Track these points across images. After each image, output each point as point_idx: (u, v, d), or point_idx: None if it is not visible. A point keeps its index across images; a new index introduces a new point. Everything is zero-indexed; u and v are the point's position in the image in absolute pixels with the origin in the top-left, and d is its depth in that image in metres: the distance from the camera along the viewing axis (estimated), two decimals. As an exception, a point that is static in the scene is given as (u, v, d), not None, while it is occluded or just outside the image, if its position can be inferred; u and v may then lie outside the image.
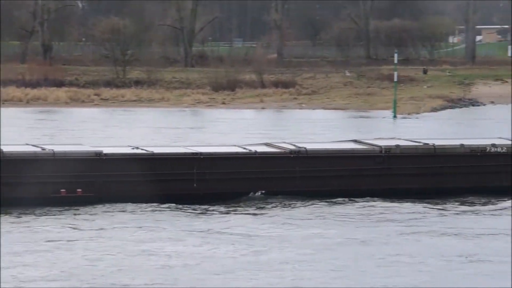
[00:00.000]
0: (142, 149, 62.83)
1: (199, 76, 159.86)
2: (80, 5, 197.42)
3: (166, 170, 61.03)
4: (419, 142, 68.03)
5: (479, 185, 63.95)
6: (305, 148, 64.07)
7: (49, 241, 48.85)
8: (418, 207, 58.81)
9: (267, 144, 67.11)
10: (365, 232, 50.93)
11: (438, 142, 67.40)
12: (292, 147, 64.36)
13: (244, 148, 64.15)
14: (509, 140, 68.24)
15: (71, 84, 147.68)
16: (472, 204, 60.92)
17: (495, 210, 59.30)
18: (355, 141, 69.89)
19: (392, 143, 67.04)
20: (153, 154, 61.92)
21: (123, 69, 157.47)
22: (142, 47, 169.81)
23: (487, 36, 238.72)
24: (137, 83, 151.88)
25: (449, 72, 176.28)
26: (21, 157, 59.60)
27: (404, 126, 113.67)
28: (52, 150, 60.50)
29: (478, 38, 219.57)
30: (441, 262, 45.13)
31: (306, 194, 61.22)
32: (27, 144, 63.78)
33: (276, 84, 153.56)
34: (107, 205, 57.01)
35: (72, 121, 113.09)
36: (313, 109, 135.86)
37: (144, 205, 56.84)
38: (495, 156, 65.83)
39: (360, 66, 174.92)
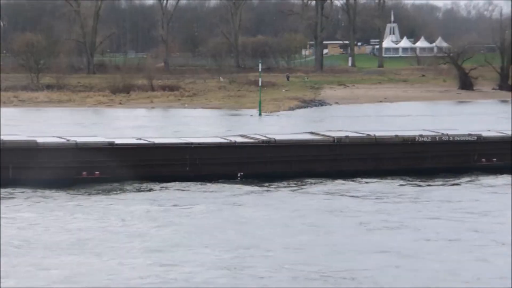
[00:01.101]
0: (144, 140, 65.95)
1: (100, 81, 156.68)
2: (1, 23, 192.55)
3: (164, 156, 63.63)
4: (363, 133, 70.59)
5: (410, 167, 66.54)
6: (274, 138, 66.39)
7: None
8: (363, 183, 62.46)
9: (242, 136, 69.71)
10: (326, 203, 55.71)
11: (378, 134, 69.82)
12: (264, 138, 66.73)
13: (225, 139, 67.43)
14: (431, 132, 71.02)
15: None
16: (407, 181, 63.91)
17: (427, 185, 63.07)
18: (311, 132, 72.53)
19: (342, 134, 69.09)
20: (154, 144, 64.80)
21: (37, 76, 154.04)
22: (52, 57, 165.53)
23: (332, 49, 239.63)
24: (48, 87, 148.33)
25: (307, 79, 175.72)
26: (52, 146, 61.82)
27: (267, 122, 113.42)
28: (75, 141, 62.74)
29: (325, 51, 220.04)
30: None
31: (275, 175, 63.20)
32: (53, 136, 65.71)
33: (164, 88, 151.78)
34: (115, 184, 60.36)
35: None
36: (194, 108, 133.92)
37: (145, 184, 60.13)
38: (421, 144, 68.12)
39: (232, 73, 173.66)
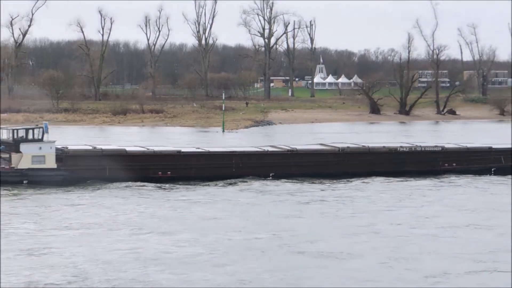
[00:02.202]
0: (202, 149, 68.20)
1: (104, 106, 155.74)
2: (30, 63, 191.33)
3: (217, 161, 65.49)
4: (359, 144, 72.02)
5: (395, 170, 67.20)
6: (296, 148, 68.63)
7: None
8: (364, 182, 63.87)
9: (271, 146, 72.15)
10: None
11: (370, 145, 71.37)
12: (288, 148, 69.12)
13: (260, 148, 69.62)
14: (409, 144, 72.70)
15: (24, 111, 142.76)
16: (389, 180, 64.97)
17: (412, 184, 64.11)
18: (321, 144, 74.30)
19: (344, 145, 70.70)
20: (209, 152, 66.80)
21: (57, 102, 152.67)
22: (68, 88, 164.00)
23: (276, 83, 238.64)
24: (65, 110, 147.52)
25: (263, 105, 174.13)
26: (136, 153, 64.13)
27: (229, 136, 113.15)
28: (153, 149, 65.39)
29: (272, 84, 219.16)
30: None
31: (297, 176, 64.72)
32: (135, 146, 69.62)
33: (151, 111, 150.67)
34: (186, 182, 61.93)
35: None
36: (174, 126, 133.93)
37: (204, 182, 61.95)
38: (402, 153, 69.44)
39: (202, 101, 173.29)
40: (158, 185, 60.36)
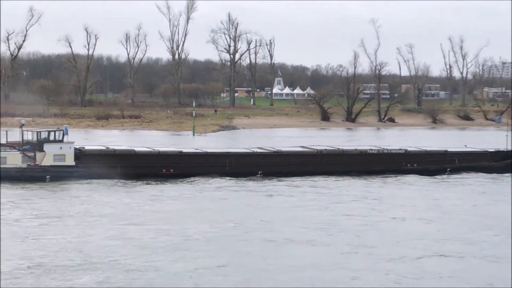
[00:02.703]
0: (200, 150, 68.80)
1: (89, 112, 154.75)
2: (24, 73, 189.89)
3: (213, 160, 65.36)
4: (335, 147, 71.73)
5: (366, 169, 67.05)
6: (281, 150, 68.71)
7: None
8: (338, 180, 63.47)
9: (259, 148, 71.62)
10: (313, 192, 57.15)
11: (344, 148, 71.40)
12: (274, 149, 69.13)
13: (249, 150, 69.21)
14: (376, 147, 72.53)
15: (19, 115, 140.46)
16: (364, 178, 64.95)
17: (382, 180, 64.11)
18: (302, 146, 73.93)
19: (321, 148, 70.70)
20: (207, 152, 67.13)
21: (48, 108, 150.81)
22: (58, 95, 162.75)
23: (240, 93, 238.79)
24: (55, 115, 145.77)
25: (231, 113, 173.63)
26: (144, 153, 64.53)
27: (198, 139, 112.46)
28: (158, 150, 65.61)
29: (236, 94, 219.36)
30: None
31: (282, 174, 64.26)
32: (143, 147, 68.91)
33: (130, 116, 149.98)
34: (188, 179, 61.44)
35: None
36: (151, 130, 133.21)
37: (204, 178, 61.66)
38: (371, 155, 69.55)
39: (175, 108, 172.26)
40: (152, 181, 60.60)
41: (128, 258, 34.37)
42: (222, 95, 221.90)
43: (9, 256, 34.26)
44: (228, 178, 62.21)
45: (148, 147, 68.60)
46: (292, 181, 61.95)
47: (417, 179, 65.29)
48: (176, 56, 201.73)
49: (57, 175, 59.38)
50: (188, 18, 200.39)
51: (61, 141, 61.75)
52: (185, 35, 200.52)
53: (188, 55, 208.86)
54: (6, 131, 64.86)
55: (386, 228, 43.31)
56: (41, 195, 53.09)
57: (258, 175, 64.24)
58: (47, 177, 59.11)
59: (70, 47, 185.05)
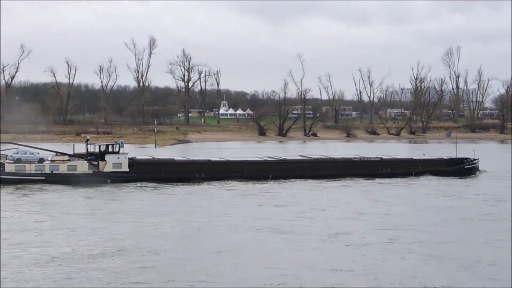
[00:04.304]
0: (222, 158, 66.79)
1: (70, 129, 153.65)
2: (17, 98, 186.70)
3: (234, 167, 63.95)
4: (328, 156, 70.85)
5: (351, 173, 66.02)
6: (286, 158, 67.89)
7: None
8: (330, 181, 62.35)
9: (269, 156, 70.58)
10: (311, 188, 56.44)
11: (334, 156, 70.52)
12: (281, 157, 68.46)
13: (261, 158, 66.88)
14: (358, 155, 71.61)
15: (12, 132, 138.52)
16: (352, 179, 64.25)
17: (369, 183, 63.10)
18: (301, 155, 72.84)
19: (317, 156, 69.92)
20: (228, 160, 65.66)
21: (36, 126, 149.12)
22: (44, 116, 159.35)
23: (193, 113, 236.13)
24: (42, 132, 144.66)
25: (184, 129, 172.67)
26: (182, 161, 63.33)
27: (160, 150, 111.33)
28: (192, 159, 64.53)
29: (190, 114, 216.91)
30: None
31: (287, 177, 63.45)
32: (179, 156, 68.84)
33: (104, 133, 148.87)
34: (215, 182, 60.43)
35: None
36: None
37: (226, 181, 60.11)
38: (355, 162, 68.44)
39: (140, 126, 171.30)
40: (189, 185, 59.61)
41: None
42: (178, 115, 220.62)
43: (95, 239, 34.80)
44: (245, 181, 61.88)
45: (183, 157, 68.48)
46: (295, 183, 61.64)
47: (393, 181, 64.82)
48: (141, 84, 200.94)
49: (115, 179, 59.90)
50: (150, 53, 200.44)
51: (118, 152, 62.36)
52: (148, 66, 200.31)
53: (150, 83, 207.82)
54: (73, 144, 68.16)
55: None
56: (109, 197, 52.63)
57: (269, 178, 63.73)
58: (108, 180, 59.66)
59: (54, 77, 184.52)
